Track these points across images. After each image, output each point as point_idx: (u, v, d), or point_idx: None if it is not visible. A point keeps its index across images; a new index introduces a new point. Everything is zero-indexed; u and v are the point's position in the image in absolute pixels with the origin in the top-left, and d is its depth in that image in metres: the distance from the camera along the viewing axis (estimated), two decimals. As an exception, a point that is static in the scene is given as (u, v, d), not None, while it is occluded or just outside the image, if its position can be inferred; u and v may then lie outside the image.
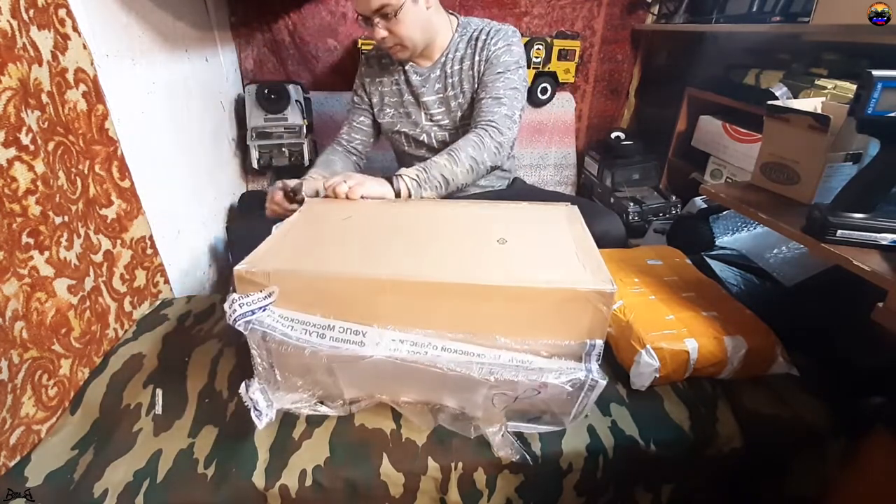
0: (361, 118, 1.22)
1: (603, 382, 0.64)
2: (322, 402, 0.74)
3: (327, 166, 1.12)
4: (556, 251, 0.71)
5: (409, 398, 0.72)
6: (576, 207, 0.85)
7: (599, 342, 0.64)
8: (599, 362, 0.65)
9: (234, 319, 0.63)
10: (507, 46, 1.07)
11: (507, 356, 0.64)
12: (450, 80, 1.12)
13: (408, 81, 1.15)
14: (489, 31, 1.08)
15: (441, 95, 1.14)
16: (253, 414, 0.67)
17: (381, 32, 1.00)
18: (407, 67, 1.14)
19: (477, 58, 1.09)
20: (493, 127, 1.02)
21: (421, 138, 1.18)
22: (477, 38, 1.09)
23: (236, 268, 0.65)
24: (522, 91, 1.09)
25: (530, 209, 0.87)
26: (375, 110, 1.21)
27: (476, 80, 1.10)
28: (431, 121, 1.17)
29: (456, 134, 1.15)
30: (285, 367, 0.69)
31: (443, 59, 1.12)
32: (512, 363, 0.64)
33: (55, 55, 0.79)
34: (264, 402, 0.69)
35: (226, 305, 0.64)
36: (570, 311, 0.63)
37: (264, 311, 0.65)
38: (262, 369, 0.68)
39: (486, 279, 0.63)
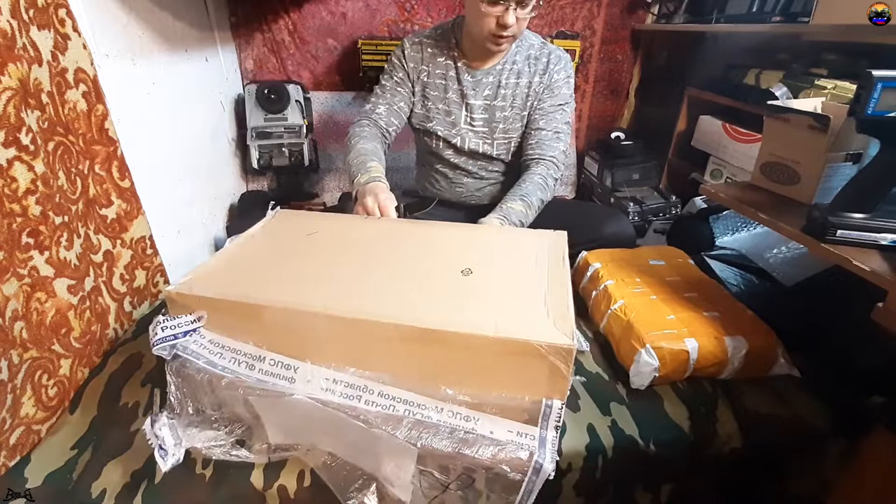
0: (402, 103, 1.13)
1: (549, 468, 0.53)
2: (241, 445, 0.66)
3: (378, 158, 1.04)
4: (522, 289, 0.64)
5: (334, 451, 0.63)
6: (564, 235, 0.81)
7: (557, 403, 0.56)
8: (559, 426, 0.57)
9: (155, 343, 0.60)
10: (567, 78, 1.10)
11: (449, 410, 0.56)
12: (502, 91, 1.09)
13: (458, 79, 1.10)
14: (550, 55, 1.08)
15: (488, 102, 1.10)
16: (157, 453, 0.61)
17: (512, 18, 0.95)
18: (459, 64, 1.09)
19: (537, 78, 1.08)
20: (554, 164, 1.08)
21: (454, 141, 1.13)
22: (538, 59, 1.08)
23: (166, 288, 0.64)
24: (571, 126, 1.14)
25: (512, 234, 0.83)
26: (415, 98, 1.14)
27: (529, 100, 1.10)
28: (470, 125, 1.12)
29: (490, 145, 1.13)
30: (202, 399, 0.64)
31: (499, 66, 1.09)
32: (451, 420, 0.55)
33: (55, 55, 0.79)
34: (172, 441, 0.63)
35: (150, 328, 0.62)
36: (523, 365, 0.55)
37: (191, 335, 0.62)
38: (175, 400, 0.63)
39: (428, 321, 0.56)
